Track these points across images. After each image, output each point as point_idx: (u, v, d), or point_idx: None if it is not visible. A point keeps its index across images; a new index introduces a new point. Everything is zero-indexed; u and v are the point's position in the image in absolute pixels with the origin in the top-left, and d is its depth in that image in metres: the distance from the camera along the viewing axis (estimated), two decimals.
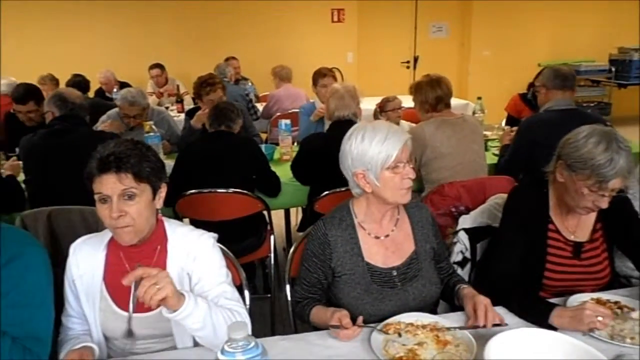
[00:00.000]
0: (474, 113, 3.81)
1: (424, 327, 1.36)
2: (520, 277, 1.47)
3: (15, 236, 1.32)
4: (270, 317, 2.65)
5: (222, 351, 0.86)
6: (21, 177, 2.65)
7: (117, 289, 1.35)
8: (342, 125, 2.52)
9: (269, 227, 2.80)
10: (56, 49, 6.29)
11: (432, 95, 2.67)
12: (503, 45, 7.48)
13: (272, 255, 2.69)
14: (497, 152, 3.12)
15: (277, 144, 3.37)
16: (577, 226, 1.59)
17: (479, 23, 7.45)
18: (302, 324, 1.70)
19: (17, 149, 2.70)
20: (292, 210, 3.61)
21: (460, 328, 1.33)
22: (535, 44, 7.54)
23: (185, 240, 1.37)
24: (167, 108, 5.06)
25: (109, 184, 1.22)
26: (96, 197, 1.25)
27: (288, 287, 1.75)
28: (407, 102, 3.85)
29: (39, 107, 3.29)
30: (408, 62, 7.61)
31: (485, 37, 7.49)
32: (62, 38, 6.37)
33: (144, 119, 3.35)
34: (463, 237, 1.93)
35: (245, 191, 2.49)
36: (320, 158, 2.51)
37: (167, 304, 1.12)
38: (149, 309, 1.24)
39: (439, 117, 2.65)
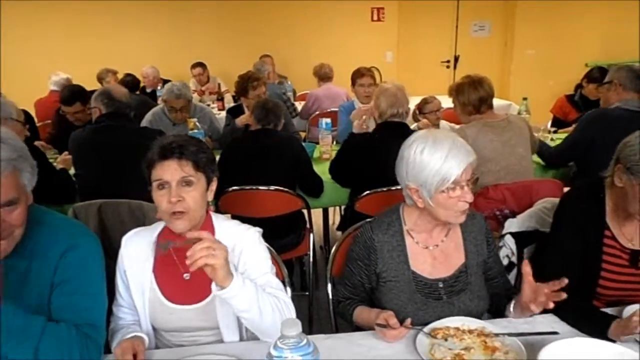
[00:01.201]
0: (518, 114, 3.70)
1: (470, 332, 1.32)
2: (573, 285, 1.41)
3: (72, 227, 1.37)
4: (308, 315, 2.66)
5: (275, 347, 0.87)
6: (72, 170, 2.76)
7: (165, 281, 1.38)
8: (392, 128, 2.52)
9: (308, 226, 2.81)
10: (104, 47, 6.51)
11: (475, 96, 2.59)
12: (548, 45, 7.23)
13: (312, 253, 2.69)
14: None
15: (316, 143, 3.38)
16: (635, 233, 1.52)
17: (523, 21, 7.23)
18: (342, 323, 1.71)
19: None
20: (330, 209, 3.61)
21: (510, 334, 1.30)
22: (582, 43, 7.26)
23: (231, 233, 1.40)
24: (208, 105, 5.16)
25: (170, 170, 1.27)
26: (155, 183, 1.30)
27: (330, 287, 1.75)
28: (447, 102, 3.78)
29: (85, 108, 3.40)
30: (448, 61, 7.48)
31: (530, 36, 7.26)
32: (110, 37, 6.58)
33: (189, 112, 3.43)
34: (509, 241, 1.88)
35: (286, 189, 2.50)
36: (364, 159, 2.49)
37: (215, 276, 1.13)
38: (197, 301, 1.27)
39: (481, 119, 2.59)
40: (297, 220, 2.75)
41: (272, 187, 2.47)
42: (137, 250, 1.40)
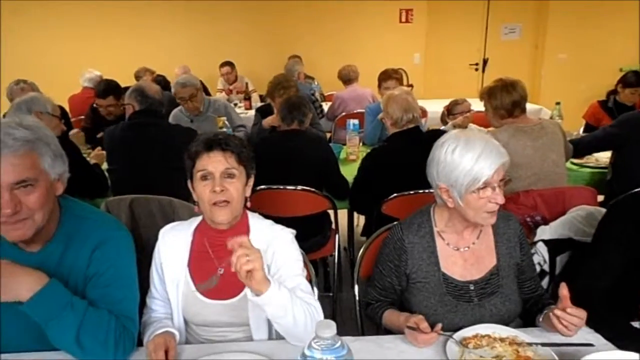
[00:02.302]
0: (551, 118, 3.62)
1: (502, 340, 1.30)
2: (613, 298, 1.36)
3: (105, 221, 1.41)
4: (332, 316, 2.66)
5: (309, 347, 0.87)
6: (105, 165, 2.82)
7: (200, 275, 1.40)
8: (405, 136, 2.49)
9: (333, 226, 2.81)
10: (136, 46, 6.65)
11: (508, 100, 2.54)
12: (581, 48, 7.06)
13: (336, 254, 2.69)
14: (576, 161, 2.96)
15: (342, 144, 3.38)
16: None
17: (556, 24, 7.08)
18: (367, 325, 1.70)
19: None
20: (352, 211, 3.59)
21: (543, 345, 1.27)
22: (617, 47, 7.05)
23: (266, 232, 1.41)
24: (235, 105, 5.22)
25: (215, 162, 1.32)
26: (198, 174, 1.34)
27: (356, 288, 1.75)
28: (476, 105, 3.73)
29: (118, 102, 3.51)
30: (477, 64, 7.38)
31: (562, 40, 7.10)
32: (141, 36, 6.72)
33: (200, 102, 3.52)
34: (542, 248, 1.84)
35: (313, 189, 2.50)
36: (382, 172, 2.47)
37: (254, 279, 1.14)
38: (230, 296, 1.29)
39: (514, 124, 2.54)
40: (323, 221, 2.76)
41: (299, 187, 2.48)
42: (173, 244, 1.43)
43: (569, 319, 1.25)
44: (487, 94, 2.61)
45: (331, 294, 2.73)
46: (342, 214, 3.50)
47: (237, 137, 1.42)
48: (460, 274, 1.46)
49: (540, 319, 1.38)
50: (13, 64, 6.15)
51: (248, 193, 1.43)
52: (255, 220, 1.45)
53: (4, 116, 2.59)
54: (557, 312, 1.27)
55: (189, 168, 1.38)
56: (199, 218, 1.47)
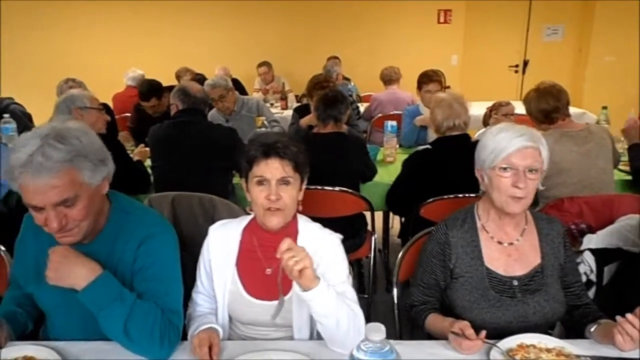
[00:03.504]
0: (597, 124, 3.50)
1: (548, 350, 1.27)
2: None
3: (151, 216, 1.45)
4: (366, 318, 2.64)
5: (358, 349, 0.87)
6: (147, 162, 2.90)
7: (247, 274, 1.42)
8: (452, 142, 2.44)
9: (369, 228, 2.79)
10: (178, 46, 6.84)
11: (545, 105, 2.49)
12: (628, 51, 6.79)
13: (372, 256, 2.67)
14: (623, 167, 2.84)
15: (379, 145, 3.36)
16: None
17: (601, 25, 6.83)
18: (404, 328, 1.69)
19: (146, 138, 2.95)
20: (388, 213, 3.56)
21: (593, 357, 1.23)
22: None
23: (314, 236, 1.42)
24: (271, 105, 5.27)
25: (272, 169, 1.32)
26: (255, 179, 1.34)
27: (395, 291, 1.74)
28: (520, 108, 3.64)
29: (161, 101, 3.61)
30: (517, 66, 7.21)
31: (608, 42, 6.85)
32: (183, 37, 6.90)
33: (232, 102, 3.57)
34: (589, 257, 1.78)
35: (351, 190, 2.50)
36: (423, 176, 2.43)
37: (305, 277, 1.16)
38: (276, 297, 1.30)
39: (559, 128, 2.47)
40: (359, 223, 2.75)
41: (337, 188, 2.48)
42: (222, 241, 1.45)
43: (630, 331, 1.21)
44: (527, 99, 2.58)
45: (366, 296, 2.72)
46: (378, 216, 3.48)
47: (295, 142, 1.38)
48: (504, 268, 1.46)
49: (592, 330, 1.34)
50: (61, 63, 6.41)
51: (301, 197, 1.42)
52: (304, 223, 1.45)
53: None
54: (629, 316, 1.22)
55: (245, 170, 1.38)
56: (249, 217, 1.48)
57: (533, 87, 2.60)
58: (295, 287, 1.20)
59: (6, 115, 3.23)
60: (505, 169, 1.36)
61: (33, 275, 1.38)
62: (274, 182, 1.32)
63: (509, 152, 1.35)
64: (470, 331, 1.26)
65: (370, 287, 2.76)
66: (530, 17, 7.01)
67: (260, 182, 1.33)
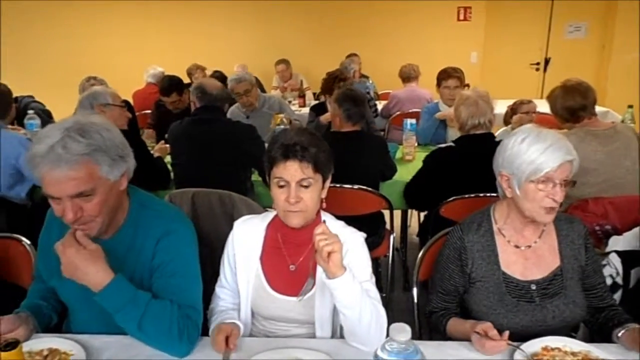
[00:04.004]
0: (622, 122, 3.42)
1: (574, 354, 1.24)
2: None
3: (170, 212, 1.46)
4: None
5: (382, 349, 0.86)
6: (167, 159, 2.93)
7: (271, 269, 1.42)
8: (474, 141, 2.41)
9: (387, 227, 2.78)
10: (196, 44, 6.86)
11: (571, 103, 2.43)
12: None
13: (391, 255, 2.66)
14: None
15: (398, 143, 3.33)
16: None
17: (625, 23, 6.66)
18: (423, 327, 1.67)
19: (166, 135, 2.98)
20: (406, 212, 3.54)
21: None
22: None
23: (338, 233, 1.39)
24: (289, 102, 5.27)
25: (291, 171, 1.29)
26: (275, 180, 1.34)
27: (415, 291, 1.72)
28: (542, 106, 3.58)
29: (181, 97, 3.64)
30: (538, 64, 7.08)
31: (632, 39, 6.68)
32: (202, 35, 6.93)
33: (255, 98, 3.58)
34: (615, 260, 1.75)
35: (370, 189, 2.49)
36: (445, 174, 2.40)
37: (332, 262, 1.17)
38: (298, 294, 1.30)
39: (584, 127, 2.42)
40: (377, 221, 2.73)
41: (356, 186, 2.47)
42: (247, 236, 1.45)
43: None
44: (548, 97, 2.52)
45: (383, 295, 2.71)
46: (396, 214, 3.46)
47: (316, 141, 1.34)
48: (521, 273, 1.44)
49: (619, 334, 1.31)
50: (81, 61, 6.51)
51: (324, 195, 1.40)
52: (329, 221, 1.44)
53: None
54: None
55: (267, 170, 1.37)
56: (273, 212, 1.48)
57: (558, 84, 2.55)
58: (322, 276, 1.21)
59: (30, 112, 3.29)
60: (544, 182, 1.32)
61: (56, 269, 1.40)
62: (293, 184, 1.30)
63: (552, 167, 1.30)
64: (493, 332, 1.24)
65: (388, 286, 2.74)
66: (552, 14, 6.88)
67: (280, 184, 1.32)
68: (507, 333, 1.25)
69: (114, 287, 1.22)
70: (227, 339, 1.28)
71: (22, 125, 3.27)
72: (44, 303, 1.44)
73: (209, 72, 5.32)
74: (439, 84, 3.69)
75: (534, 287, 1.42)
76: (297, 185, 1.30)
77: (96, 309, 1.37)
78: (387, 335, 0.97)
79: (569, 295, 1.41)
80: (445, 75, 3.65)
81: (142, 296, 1.26)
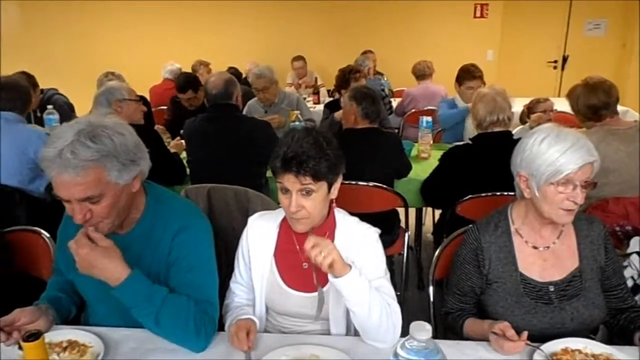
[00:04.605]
0: None
1: (594, 356, 1.22)
2: None
3: (187, 208, 1.46)
4: None
5: (402, 347, 0.86)
6: (183, 155, 2.94)
7: (285, 266, 1.42)
8: (492, 139, 2.38)
9: (402, 224, 2.76)
10: (212, 41, 6.90)
11: (594, 101, 2.39)
12: None
13: (405, 253, 2.64)
14: None
15: (413, 141, 3.31)
16: None
17: None
18: (438, 327, 1.66)
19: (181, 131, 2.99)
20: (421, 210, 3.52)
21: None
22: None
23: (352, 229, 1.40)
24: (304, 99, 5.27)
25: (290, 181, 1.28)
26: (278, 186, 1.33)
27: (431, 289, 1.71)
28: (559, 104, 3.52)
29: (197, 94, 3.66)
30: (555, 61, 6.99)
31: None
32: (217, 32, 6.97)
33: (274, 95, 3.59)
34: (636, 261, 1.72)
35: (385, 186, 2.48)
36: (462, 172, 2.38)
37: (335, 269, 1.19)
38: (314, 289, 1.30)
39: (605, 126, 2.37)
40: (392, 219, 2.72)
41: (371, 184, 2.46)
42: (261, 232, 1.45)
43: None
44: (568, 95, 2.48)
45: (397, 293, 2.69)
46: (410, 212, 3.44)
47: (317, 150, 1.27)
48: (539, 274, 1.41)
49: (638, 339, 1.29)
50: (102, 57, 6.58)
51: (334, 195, 1.37)
52: (342, 217, 1.44)
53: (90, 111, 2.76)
54: None
55: (274, 176, 1.35)
56: None
57: (580, 81, 2.50)
58: (329, 275, 1.22)
59: (49, 107, 3.34)
60: (565, 184, 1.30)
61: (74, 262, 1.42)
62: (294, 192, 1.28)
63: (573, 169, 1.27)
64: (511, 332, 1.23)
65: (402, 284, 2.72)
66: (571, 11, 6.77)
67: (283, 190, 1.31)
68: (525, 333, 1.24)
69: (132, 282, 1.23)
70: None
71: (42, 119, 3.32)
72: (63, 295, 1.45)
73: (223, 68, 5.33)
74: (460, 83, 3.61)
75: (552, 288, 1.40)
76: (298, 193, 1.28)
77: (114, 302, 1.38)
78: (404, 333, 0.98)
79: (588, 296, 1.39)
80: (469, 75, 3.57)
81: (159, 291, 1.27)
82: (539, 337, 1.29)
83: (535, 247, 1.43)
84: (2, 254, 1.60)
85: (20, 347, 1.15)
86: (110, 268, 1.22)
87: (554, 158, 1.29)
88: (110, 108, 2.57)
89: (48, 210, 2.62)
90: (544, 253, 1.43)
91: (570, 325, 1.37)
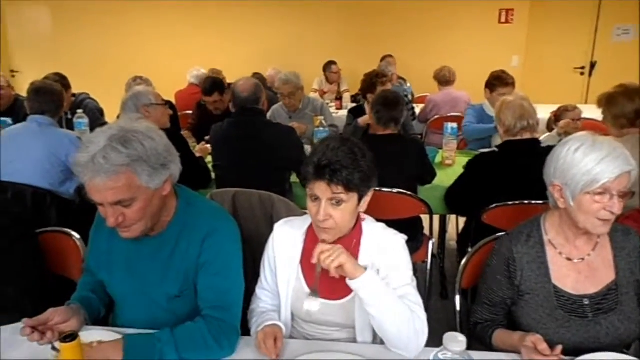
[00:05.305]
0: None
1: None
2: None
3: (216, 211, 1.48)
4: None
5: (435, 357, 0.84)
6: (209, 159, 2.98)
7: (311, 273, 1.41)
8: (521, 146, 2.34)
9: (426, 232, 2.74)
10: (235, 47, 7.02)
11: (630, 108, 2.35)
12: None
13: (429, 261, 2.62)
14: None
15: (438, 148, 3.29)
16: None
17: None
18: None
19: (206, 137, 3.03)
20: (445, 217, 3.48)
21: None
22: None
23: (379, 236, 1.40)
24: (327, 104, 5.28)
25: (321, 189, 1.28)
26: (308, 193, 1.33)
27: (458, 298, 1.69)
28: (587, 112, 3.45)
29: (223, 98, 3.70)
30: (583, 68, 6.85)
31: None
32: (240, 38, 7.07)
33: (299, 100, 3.62)
34: None
35: (410, 193, 2.46)
36: (493, 179, 2.34)
37: (345, 271, 1.22)
38: (339, 297, 1.29)
39: (638, 134, 2.32)
40: (416, 226, 2.70)
41: (395, 190, 2.45)
42: (287, 239, 1.46)
43: None
44: (607, 101, 2.42)
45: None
46: (434, 220, 3.41)
47: (351, 161, 1.27)
48: (573, 286, 1.38)
49: None
50: (129, 62, 6.75)
51: (363, 209, 1.37)
52: (369, 223, 1.44)
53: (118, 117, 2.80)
54: None
55: (304, 184, 1.35)
56: None
57: (612, 88, 2.46)
58: (347, 279, 1.24)
59: (79, 111, 3.41)
60: (601, 193, 1.27)
61: (105, 263, 1.45)
62: (324, 201, 1.28)
63: (610, 178, 1.25)
64: (543, 345, 1.20)
65: (425, 293, 2.69)
66: (599, 16, 6.64)
67: (313, 198, 1.31)
68: (559, 347, 1.21)
69: (130, 342, 1.23)
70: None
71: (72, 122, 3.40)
72: (94, 296, 1.48)
73: (244, 74, 5.36)
74: (492, 90, 3.54)
75: (587, 301, 1.36)
76: (327, 202, 1.28)
77: (142, 304, 1.41)
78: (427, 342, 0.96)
79: (624, 311, 1.35)
80: (501, 82, 3.50)
81: (163, 331, 1.28)
82: (572, 352, 1.26)
83: (569, 259, 1.40)
84: (35, 255, 1.63)
85: (53, 348, 1.18)
86: (108, 349, 1.22)
87: (590, 167, 1.26)
88: (138, 113, 2.61)
89: (77, 212, 2.69)
90: (578, 265, 1.39)
91: (605, 340, 1.33)
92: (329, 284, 1.38)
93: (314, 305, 1.38)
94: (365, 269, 1.23)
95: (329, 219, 1.29)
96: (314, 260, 1.22)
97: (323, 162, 1.26)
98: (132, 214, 1.25)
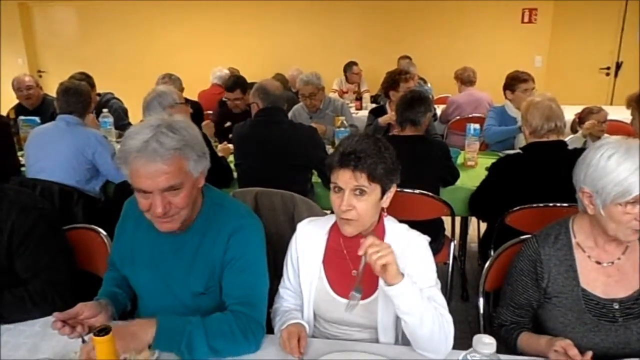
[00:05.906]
0: None
1: None
2: None
3: (241, 209, 1.49)
4: None
5: (464, 359, 0.84)
6: (231, 158, 3.00)
7: (334, 273, 1.42)
8: (546, 148, 2.30)
9: (447, 234, 2.72)
10: (258, 47, 7.10)
11: None
12: None
13: (451, 263, 2.60)
14: None
15: (460, 149, 3.26)
16: None
17: None
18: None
19: (230, 135, 3.05)
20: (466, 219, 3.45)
21: None
22: None
23: (402, 237, 1.39)
24: (347, 104, 5.28)
25: (345, 178, 1.28)
26: (331, 185, 1.34)
27: (481, 301, 1.68)
28: (612, 113, 3.38)
29: (244, 96, 3.73)
30: (608, 68, 6.71)
31: None
32: (262, 38, 7.14)
33: (320, 101, 3.65)
34: None
35: (432, 194, 2.44)
36: (518, 182, 2.30)
37: (388, 273, 1.17)
38: (362, 298, 1.29)
39: None
40: (438, 227, 2.68)
41: (417, 191, 2.44)
42: (310, 238, 1.46)
43: None
44: (636, 102, 2.36)
45: None
46: (456, 221, 3.38)
47: (376, 151, 1.29)
48: (603, 290, 1.35)
49: None
50: (153, 61, 6.86)
51: (386, 204, 1.37)
52: (391, 224, 1.43)
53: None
54: None
55: (328, 175, 1.36)
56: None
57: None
58: (381, 282, 1.21)
59: (105, 110, 3.48)
60: (633, 204, 1.23)
61: (129, 258, 1.48)
62: (347, 191, 1.28)
63: None
64: (574, 351, 1.18)
65: (447, 295, 2.68)
66: (625, 15, 6.49)
67: (336, 189, 1.32)
68: (589, 353, 1.19)
69: (163, 327, 1.24)
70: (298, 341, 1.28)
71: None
72: (119, 291, 1.50)
73: (267, 75, 5.41)
74: (513, 90, 3.52)
75: (616, 306, 1.34)
76: (351, 192, 1.28)
77: (165, 299, 1.43)
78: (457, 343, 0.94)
79: None
80: (520, 79, 3.49)
81: (193, 318, 1.29)
82: (600, 357, 1.24)
83: (598, 263, 1.37)
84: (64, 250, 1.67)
85: (84, 341, 1.20)
86: (137, 331, 1.23)
87: (623, 177, 1.22)
88: (165, 111, 2.64)
89: (101, 209, 2.75)
90: (608, 269, 1.37)
91: (636, 345, 1.31)
92: (351, 285, 1.38)
93: (354, 303, 1.28)
94: (403, 275, 1.19)
95: (352, 209, 1.29)
96: (361, 252, 1.18)
97: (348, 150, 1.27)
98: (178, 201, 1.27)
